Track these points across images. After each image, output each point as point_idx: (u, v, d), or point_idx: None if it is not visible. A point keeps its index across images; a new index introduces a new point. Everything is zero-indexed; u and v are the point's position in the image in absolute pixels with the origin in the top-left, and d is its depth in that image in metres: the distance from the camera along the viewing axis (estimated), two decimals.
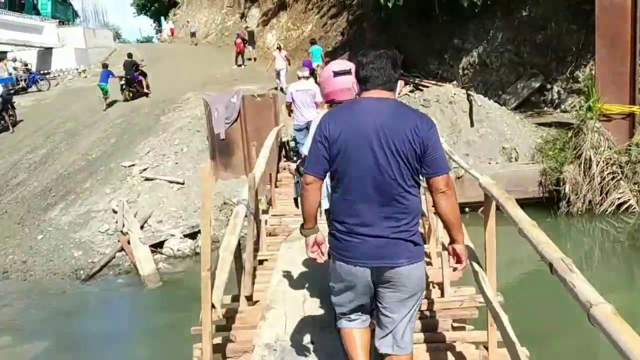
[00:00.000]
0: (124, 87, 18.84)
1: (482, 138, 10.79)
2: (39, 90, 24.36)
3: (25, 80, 24.41)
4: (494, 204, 3.22)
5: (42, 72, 28.86)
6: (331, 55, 23.19)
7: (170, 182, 11.17)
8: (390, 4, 16.74)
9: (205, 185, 3.15)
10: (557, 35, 13.90)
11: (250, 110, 11.02)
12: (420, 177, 2.48)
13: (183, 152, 12.25)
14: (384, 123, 2.37)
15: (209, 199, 3.06)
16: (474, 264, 3.20)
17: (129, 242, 9.48)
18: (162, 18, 51.44)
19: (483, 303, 3.88)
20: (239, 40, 24.69)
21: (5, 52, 29.44)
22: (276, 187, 9.05)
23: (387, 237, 2.40)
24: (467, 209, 10.06)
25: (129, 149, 13.95)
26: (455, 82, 15.92)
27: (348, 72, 3.18)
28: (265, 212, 7.48)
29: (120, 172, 12.55)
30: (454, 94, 11.26)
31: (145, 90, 19.32)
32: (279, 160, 10.93)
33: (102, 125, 16.82)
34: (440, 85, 14.30)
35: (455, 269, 2.86)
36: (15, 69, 25.40)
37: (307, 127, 8.41)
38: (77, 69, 29.37)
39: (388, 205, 2.40)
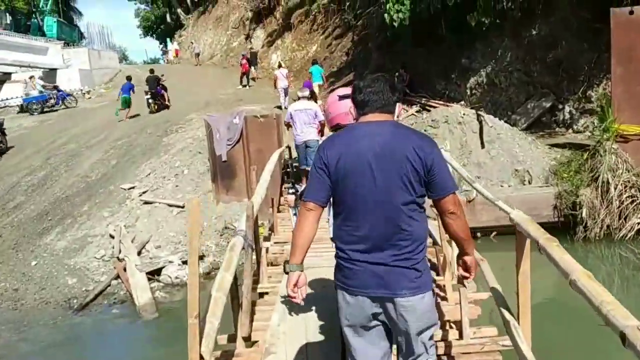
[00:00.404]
0: (149, 100, 20.04)
1: (493, 160, 10.38)
2: (67, 107, 24.95)
3: (54, 97, 24.97)
4: (528, 242, 2.79)
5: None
6: (336, 76, 23.06)
7: (170, 205, 10.80)
8: (396, 24, 16.53)
9: (192, 217, 2.75)
10: (568, 53, 13.55)
11: (252, 131, 10.68)
12: (425, 201, 2.38)
13: (184, 174, 11.89)
14: (384, 145, 2.30)
15: (195, 237, 2.66)
16: (504, 311, 2.77)
17: (125, 269, 9.07)
18: (168, 39, 51.65)
19: (507, 347, 3.46)
20: (244, 61, 24.83)
21: (10, 74, 29.46)
22: (279, 211, 8.64)
23: (387, 265, 2.29)
24: (478, 234, 9.66)
25: (130, 170, 13.62)
26: (462, 102, 15.60)
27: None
28: (267, 239, 7.07)
29: (120, 195, 12.20)
30: (464, 114, 10.90)
31: (167, 102, 20.80)
32: (282, 182, 10.56)
33: (104, 146, 16.54)
34: (447, 106, 13.96)
35: (464, 278, 2.70)
36: (43, 87, 25.87)
37: (307, 146, 8.62)
38: (82, 90, 29.27)
39: (390, 231, 2.30)
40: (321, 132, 8.28)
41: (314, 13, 29.05)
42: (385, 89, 2.42)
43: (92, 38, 40.67)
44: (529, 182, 10.01)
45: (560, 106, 13.50)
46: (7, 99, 28.23)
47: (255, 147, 10.62)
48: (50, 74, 29.64)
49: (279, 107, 18.55)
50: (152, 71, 22.20)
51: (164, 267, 9.13)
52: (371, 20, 22.58)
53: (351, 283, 2.36)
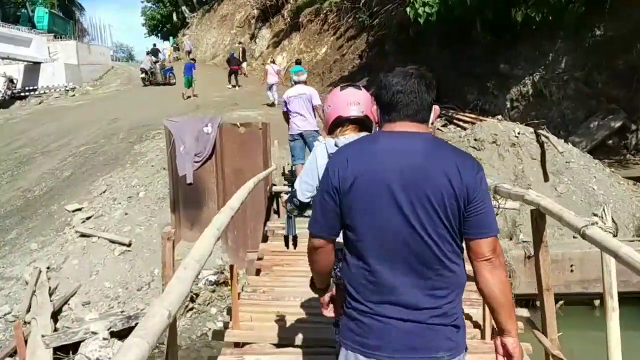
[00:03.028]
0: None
1: (561, 198, 7.43)
2: (167, 84, 25.12)
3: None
4: None
5: (27, 88, 26.18)
6: (347, 81, 20.25)
7: (112, 241, 7.89)
8: (421, 20, 13.70)
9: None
10: None
11: (229, 145, 7.78)
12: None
13: (138, 198, 8.97)
14: (414, 166, 1.77)
15: None
16: None
17: (26, 341, 6.15)
18: (171, 38, 49.48)
19: None
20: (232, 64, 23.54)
21: None
22: (257, 273, 5.71)
23: (421, 322, 1.78)
24: (538, 302, 6.79)
25: (83, 186, 10.78)
26: (500, 117, 12.64)
27: (356, 87, 2.78)
28: (219, 334, 4.16)
29: (60, 219, 9.35)
30: (519, 132, 7.98)
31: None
32: (267, 218, 7.65)
33: (63, 153, 13.74)
34: (481, 120, 11.07)
35: None
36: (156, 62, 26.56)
37: (303, 138, 7.63)
38: (66, 87, 26.55)
39: (423, 278, 1.79)
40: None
41: (325, 12, 26.36)
42: (420, 89, 1.81)
43: (95, 35, 38.21)
44: (614, 235, 7.00)
45: (634, 127, 10.50)
46: None
47: (233, 166, 7.72)
48: (32, 68, 26.97)
49: (272, 105, 17.90)
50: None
51: (82, 340, 6.20)
52: (389, 18, 19.75)
53: (370, 344, 1.82)
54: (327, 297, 2.20)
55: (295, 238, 3.21)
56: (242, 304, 4.49)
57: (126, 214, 8.51)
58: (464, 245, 1.86)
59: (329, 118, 2.79)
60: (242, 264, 7.44)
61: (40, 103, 24.65)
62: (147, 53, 28.01)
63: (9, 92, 25.42)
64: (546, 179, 7.60)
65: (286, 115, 7.75)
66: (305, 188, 2.74)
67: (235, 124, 7.83)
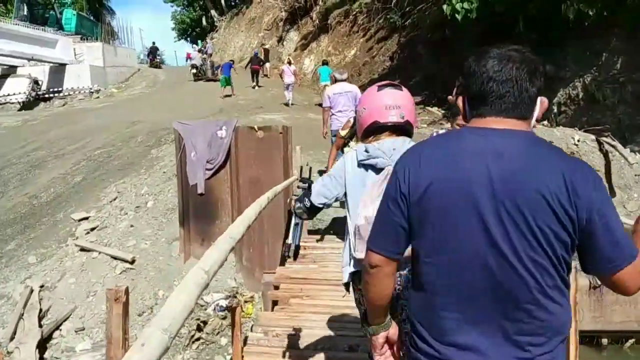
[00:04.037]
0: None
1: (631, 217, 6.31)
2: (216, 80, 24.40)
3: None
4: None
5: (52, 90, 25.84)
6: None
7: (114, 257, 7.05)
8: (459, 16, 12.70)
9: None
10: None
11: (246, 151, 6.88)
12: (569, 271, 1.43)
13: (146, 208, 8.13)
14: (508, 174, 1.40)
15: None
16: None
17: None
18: (199, 42, 49.39)
19: None
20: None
21: (15, 67, 26.60)
22: (272, 306, 4.80)
23: None
24: (604, 340, 5.92)
25: (93, 192, 10.03)
26: (546, 122, 11.51)
27: (397, 87, 2.42)
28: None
29: (65, 229, 8.60)
30: (578, 140, 6.89)
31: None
32: (287, 236, 6.71)
33: (77, 156, 13.06)
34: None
35: None
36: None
37: None
38: (91, 89, 26.14)
39: (509, 319, 1.42)
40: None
41: (354, 13, 25.49)
42: (519, 76, 1.44)
43: (125, 37, 37.97)
44: None
45: None
46: (8, 95, 25.36)
47: (249, 175, 6.82)
48: (58, 69, 26.63)
49: (286, 104, 18.44)
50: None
51: None
52: (422, 18, 18.72)
53: None
54: (381, 337, 1.77)
55: (297, 248, 2.85)
56: (249, 354, 3.56)
57: (132, 226, 7.67)
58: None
59: (363, 122, 2.42)
60: (257, 285, 6.57)
61: (64, 105, 24.29)
62: (199, 50, 30.79)
63: (33, 94, 25.14)
64: (612, 194, 6.51)
65: (326, 111, 7.81)
66: (323, 192, 2.45)
67: (253, 127, 6.92)
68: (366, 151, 2.35)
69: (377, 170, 2.33)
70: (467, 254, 1.44)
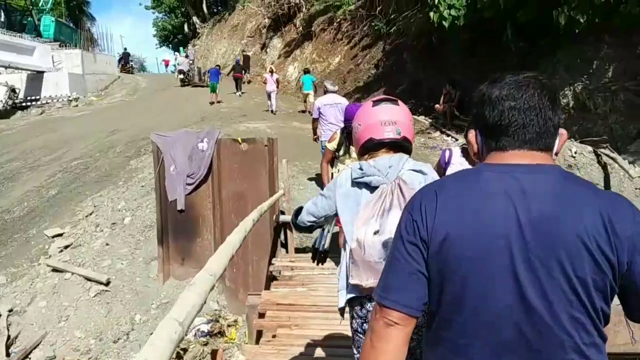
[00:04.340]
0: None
1: None
2: (203, 85, 25.25)
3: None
4: None
5: (29, 98, 25.20)
6: (363, 91, 19.12)
7: (88, 279, 6.61)
8: (446, 23, 12.46)
9: None
10: None
11: (229, 165, 6.51)
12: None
13: (123, 225, 7.69)
14: (541, 217, 1.22)
15: None
16: None
17: None
18: (181, 49, 48.95)
19: None
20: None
21: None
22: (257, 338, 4.43)
23: None
24: None
25: (68, 207, 9.55)
26: None
27: (393, 101, 2.31)
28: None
29: (38, 246, 8.13)
30: (575, 152, 6.62)
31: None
32: (273, 254, 6.31)
33: (54, 167, 12.57)
34: None
35: None
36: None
37: None
38: (69, 97, 25.51)
39: None
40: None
41: (338, 20, 25.21)
42: (542, 104, 1.31)
43: (106, 45, 37.33)
44: None
45: None
46: None
47: (232, 190, 6.45)
48: (35, 77, 25.97)
49: (270, 112, 18.53)
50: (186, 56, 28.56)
51: None
52: (408, 25, 18.47)
53: None
54: None
55: (325, 254, 2.66)
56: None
57: (107, 244, 7.23)
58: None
59: (358, 139, 2.33)
60: (241, 308, 6.18)
61: (41, 113, 23.68)
62: (186, 56, 30.35)
63: (10, 102, 24.47)
64: None
65: (316, 122, 7.79)
66: (313, 211, 2.42)
67: (236, 139, 6.55)
68: (360, 169, 2.24)
69: (372, 188, 2.22)
70: (493, 310, 1.27)
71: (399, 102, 2.33)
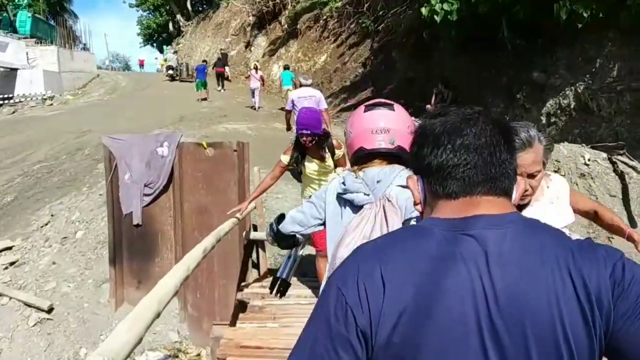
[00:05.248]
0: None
1: None
2: (187, 80, 25.68)
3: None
4: None
5: (1, 96, 24.11)
6: (350, 91, 18.32)
7: (28, 305, 5.68)
8: (438, 18, 11.67)
9: None
10: None
11: (192, 173, 5.62)
12: None
13: (75, 240, 6.75)
14: (507, 286, 0.97)
15: None
16: None
17: None
18: (164, 47, 48.03)
19: None
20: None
21: None
22: None
23: None
24: None
25: (24, 216, 8.63)
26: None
27: (388, 106, 2.07)
28: None
29: None
30: (589, 159, 5.83)
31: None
32: (243, 278, 5.43)
33: (14, 171, 11.62)
34: None
35: None
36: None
37: None
38: (44, 95, 24.45)
39: None
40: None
41: (325, 17, 24.45)
42: (497, 140, 1.09)
43: (90, 43, 36.38)
44: None
45: None
46: None
47: (196, 202, 5.56)
48: (9, 74, 24.88)
49: (252, 108, 18.61)
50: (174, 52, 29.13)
51: None
52: (397, 22, 17.72)
53: None
54: None
55: (285, 285, 2.46)
56: None
57: (54, 263, 6.30)
58: None
59: (349, 148, 2.12)
60: (206, 339, 5.32)
61: (13, 112, 22.61)
62: (174, 52, 32.14)
63: None
64: (633, 224, 5.45)
65: (289, 114, 8.07)
66: (299, 219, 2.21)
67: (201, 143, 5.66)
68: (343, 183, 2.04)
69: (355, 208, 1.98)
70: None
71: (396, 106, 2.09)
